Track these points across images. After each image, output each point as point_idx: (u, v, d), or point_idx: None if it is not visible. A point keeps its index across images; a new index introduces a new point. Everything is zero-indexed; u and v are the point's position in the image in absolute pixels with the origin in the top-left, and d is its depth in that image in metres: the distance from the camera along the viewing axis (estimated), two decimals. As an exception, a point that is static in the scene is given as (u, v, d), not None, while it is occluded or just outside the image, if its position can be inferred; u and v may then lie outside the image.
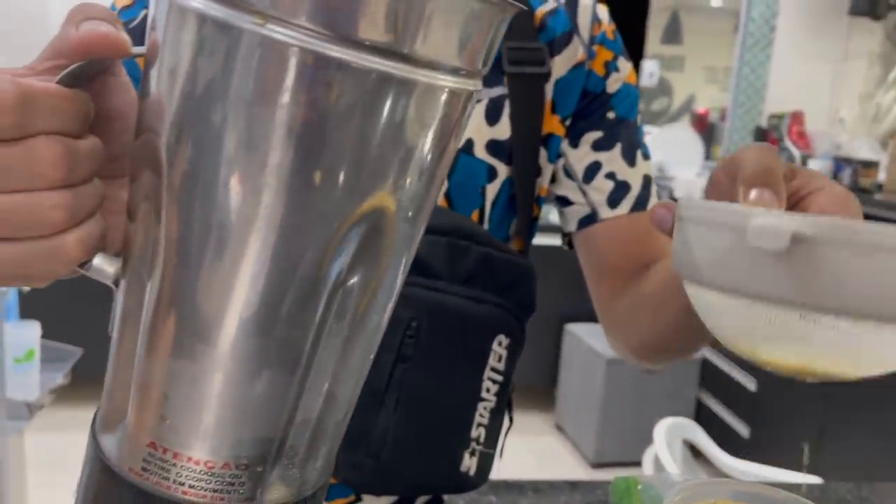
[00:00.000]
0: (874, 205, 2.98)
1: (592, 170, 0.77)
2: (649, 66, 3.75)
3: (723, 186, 0.46)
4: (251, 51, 0.27)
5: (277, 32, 0.27)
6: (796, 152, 3.45)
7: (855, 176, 3.09)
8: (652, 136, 3.66)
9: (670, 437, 1.69)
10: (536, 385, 3.11)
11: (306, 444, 0.33)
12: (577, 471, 2.81)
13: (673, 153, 3.53)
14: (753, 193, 0.43)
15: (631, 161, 0.77)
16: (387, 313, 0.34)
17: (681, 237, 0.40)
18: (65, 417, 2.65)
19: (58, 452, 2.50)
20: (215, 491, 0.32)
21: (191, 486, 0.32)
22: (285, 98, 0.27)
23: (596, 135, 0.77)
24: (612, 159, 0.77)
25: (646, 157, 0.79)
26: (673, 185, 3.41)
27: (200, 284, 0.30)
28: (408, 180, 0.30)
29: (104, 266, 0.33)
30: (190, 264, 0.30)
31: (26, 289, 1.81)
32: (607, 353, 2.72)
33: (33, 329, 1.74)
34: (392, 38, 0.27)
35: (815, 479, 1.59)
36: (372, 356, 0.35)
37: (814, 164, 3.31)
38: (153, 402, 0.32)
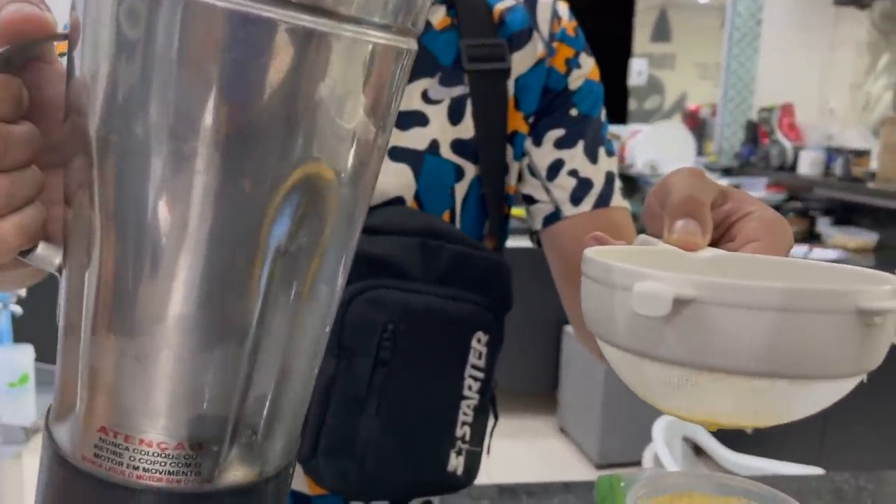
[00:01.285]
0: (867, 193, 2.98)
1: (555, 167, 0.76)
2: (637, 65, 3.76)
3: (655, 213, 0.46)
4: (174, 14, 0.26)
5: None
6: (788, 144, 3.45)
7: (847, 165, 3.08)
8: (643, 133, 3.66)
9: (669, 434, 1.68)
10: (538, 388, 3.10)
11: (263, 422, 0.33)
12: (582, 473, 2.79)
13: (664, 150, 3.53)
14: (678, 224, 0.43)
15: (593, 158, 0.76)
16: (338, 285, 0.33)
17: (583, 290, 0.40)
18: (65, 441, 2.64)
19: (59, 476, 2.48)
20: (171, 473, 0.31)
21: (145, 470, 0.31)
22: (210, 60, 0.26)
23: (558, 132, 0.76)
24: (574, 157, 0.76)
25: (609, 153, 0.78)
26: (666, 183, 3.40)
27: (139, 259, 0.29)
28: (344, 141, 0.29)
29: (48, 254, 0.33)
30: (127, 239, 0.29)
31: (20, 312, 1.80)
32: (607, 353, 2.71)
33: (27, 353, 1.73)
34: None
35: (817, 471, 1.58)
36: (327, 330, 0.34)
37: (806, 155, 3.30)
38: (101, 386, 0.31)
